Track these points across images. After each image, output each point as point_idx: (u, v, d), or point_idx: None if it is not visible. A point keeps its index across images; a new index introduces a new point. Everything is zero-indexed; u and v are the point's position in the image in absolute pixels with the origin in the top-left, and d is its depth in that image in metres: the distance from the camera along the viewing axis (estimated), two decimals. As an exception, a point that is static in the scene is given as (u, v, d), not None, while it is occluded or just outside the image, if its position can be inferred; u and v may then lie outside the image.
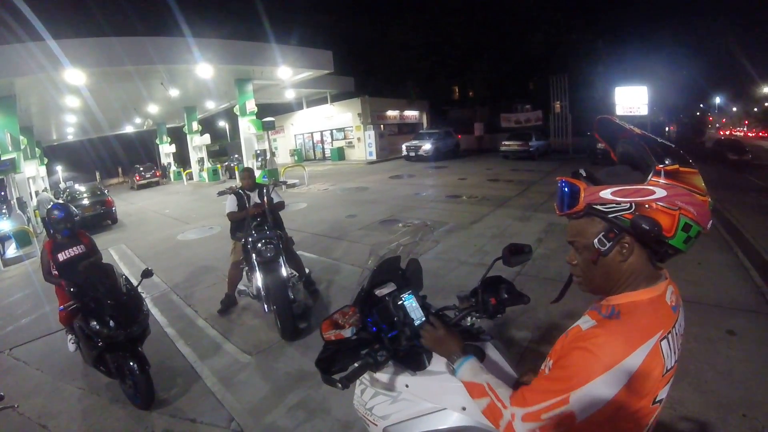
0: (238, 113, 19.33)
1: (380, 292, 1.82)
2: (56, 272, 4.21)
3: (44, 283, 8.28)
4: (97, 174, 49.47)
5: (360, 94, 27.26)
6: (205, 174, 25.51)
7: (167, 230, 11.44)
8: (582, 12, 30.11)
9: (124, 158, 48.90)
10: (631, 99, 22.62)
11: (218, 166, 26.08)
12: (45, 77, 13.28)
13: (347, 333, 1.62)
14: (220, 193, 5.40)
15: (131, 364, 3.56)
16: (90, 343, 3.71)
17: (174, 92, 19.29)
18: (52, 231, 4.51)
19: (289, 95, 27.05)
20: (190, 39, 14.93)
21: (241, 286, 5.29)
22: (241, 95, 18.91)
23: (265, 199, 5.15)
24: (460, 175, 15.80)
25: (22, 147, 14.38)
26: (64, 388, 4.22)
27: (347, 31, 31.56)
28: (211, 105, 27.27)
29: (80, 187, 18.77)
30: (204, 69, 15.50)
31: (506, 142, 21.50)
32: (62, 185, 30.27)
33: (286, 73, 18.42)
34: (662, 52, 32.73)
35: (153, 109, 24.95)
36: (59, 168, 39.29)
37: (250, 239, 4.69)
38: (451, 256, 6.57)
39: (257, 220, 5.00)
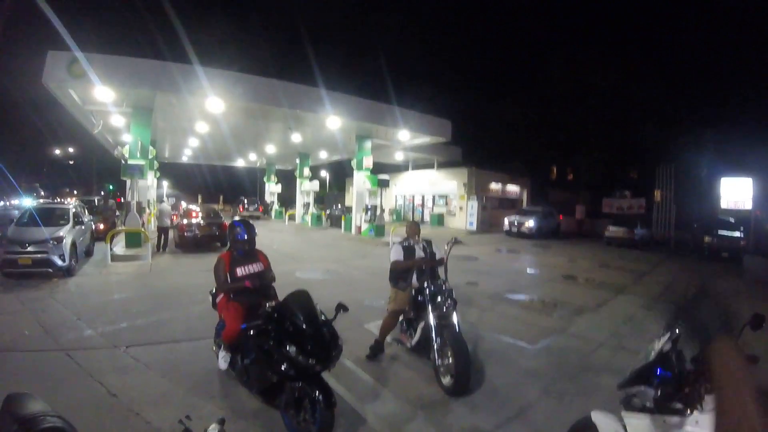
0: (354, 167, 20.30)
1: None
2: (245, 284, 4.10)
3: (159, 288, 8.82)
4: (200, 197, 53.61)
5: (466, 164, 27.71)
6: (308, 218, 26.60)
7: (282, 265, 11.77)
8: (693, 102, 29.00)
9: (227, 188, 53.13)
10: (737, 192, 21.43)
11: (323, 213, 27.09)
12: (187, 98, 13.80)
13: None
14: (392, 244, 5.49)
15: (317, 396, 3.26)
16: (274, 369, 3.44)
17: (296, 137, 20.68)
18: (229, 247, 4.46)
19: (399, 157, 28.06)
20: (328, 91, 15.91)
21: (393, 336, 5.29)
22: (360, 151, 19.93)
23: (446, 254, 5.32)
24: (567, 257, 15.44)
25: (150, 157, 15.09)
26: (201, 405, 3.95)
27: (462, 103, 32.80)
28: (324, 155, 28.79)
29: (196, 207, 19.73)
30: (333, 121, 16.46)
31: (611, 228, 20.91)
32: (167, 200, 32.64)
33: (405, 136, 19.30)
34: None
35: (270, 149, 26.91)
36: (165, 183, 42.41)
37: (427, 291, 4.71)
38: (589, 337, 6.50)
39: (424, 273, 5.02)
